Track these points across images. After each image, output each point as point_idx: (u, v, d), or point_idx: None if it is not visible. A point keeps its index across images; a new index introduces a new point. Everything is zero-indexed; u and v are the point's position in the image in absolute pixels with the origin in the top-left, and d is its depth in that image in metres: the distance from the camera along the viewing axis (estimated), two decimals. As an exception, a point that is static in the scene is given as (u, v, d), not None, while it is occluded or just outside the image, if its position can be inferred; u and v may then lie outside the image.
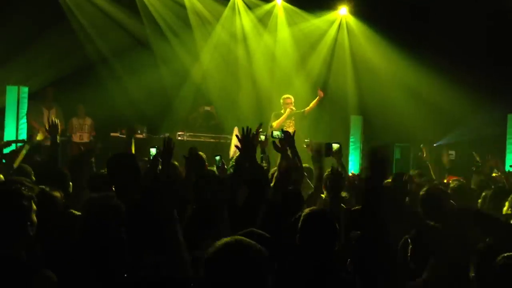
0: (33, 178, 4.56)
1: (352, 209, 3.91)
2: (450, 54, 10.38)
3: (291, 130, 8.19)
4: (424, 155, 8.19)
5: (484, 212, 3.89)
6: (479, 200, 5.02)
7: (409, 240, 3.49)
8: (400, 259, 3.43)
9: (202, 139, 10.36)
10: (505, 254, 2.48)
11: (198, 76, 11.37)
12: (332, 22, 11.89)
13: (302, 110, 9.62)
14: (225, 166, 5.38)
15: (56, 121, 5.02)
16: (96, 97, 10.29)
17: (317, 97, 9.59)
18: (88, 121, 10.42)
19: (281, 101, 9.55)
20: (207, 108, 11.01)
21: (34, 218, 2.49)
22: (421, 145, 8.43)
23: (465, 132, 10.91)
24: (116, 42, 10.58)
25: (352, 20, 11.84)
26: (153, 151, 4.78)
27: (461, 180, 6.05)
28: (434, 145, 10.50)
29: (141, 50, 10.94)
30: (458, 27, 10.18)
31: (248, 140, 3.88)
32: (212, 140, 10.47)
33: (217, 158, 5.47)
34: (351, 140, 11.23)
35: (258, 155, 5.12)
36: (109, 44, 10.69)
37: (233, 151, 8.14)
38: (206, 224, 3.32)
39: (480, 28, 10.22)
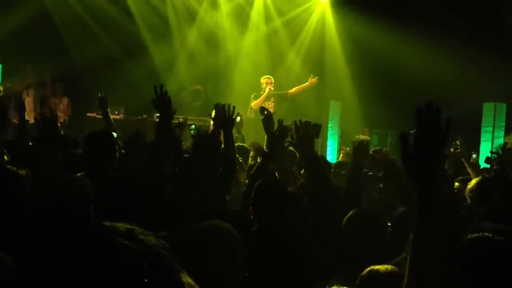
0: (6, 157, 4.48)
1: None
2: (430, 41, 10.44)
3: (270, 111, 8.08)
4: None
5: None
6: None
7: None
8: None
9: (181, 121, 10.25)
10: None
11: (185, 57, 11.28)
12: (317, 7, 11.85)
13: (285, 92, 9.40)
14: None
15: (23, 99, 4.94)
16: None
17: (307, 83, 9.36)
18: (65, 100, 10.17)
19: (261, 81, 9.27)
20: (198, 87, 10.88)
21: None
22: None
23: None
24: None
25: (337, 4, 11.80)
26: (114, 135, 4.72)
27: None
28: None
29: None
30: (439, 14, 10.25)
31: (227, 116, 3.97)
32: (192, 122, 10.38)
33: (192, 127, 5.52)
34: (329, 125, 11.30)
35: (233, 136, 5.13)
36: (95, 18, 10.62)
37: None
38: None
39: (462, 16, 10.31)
